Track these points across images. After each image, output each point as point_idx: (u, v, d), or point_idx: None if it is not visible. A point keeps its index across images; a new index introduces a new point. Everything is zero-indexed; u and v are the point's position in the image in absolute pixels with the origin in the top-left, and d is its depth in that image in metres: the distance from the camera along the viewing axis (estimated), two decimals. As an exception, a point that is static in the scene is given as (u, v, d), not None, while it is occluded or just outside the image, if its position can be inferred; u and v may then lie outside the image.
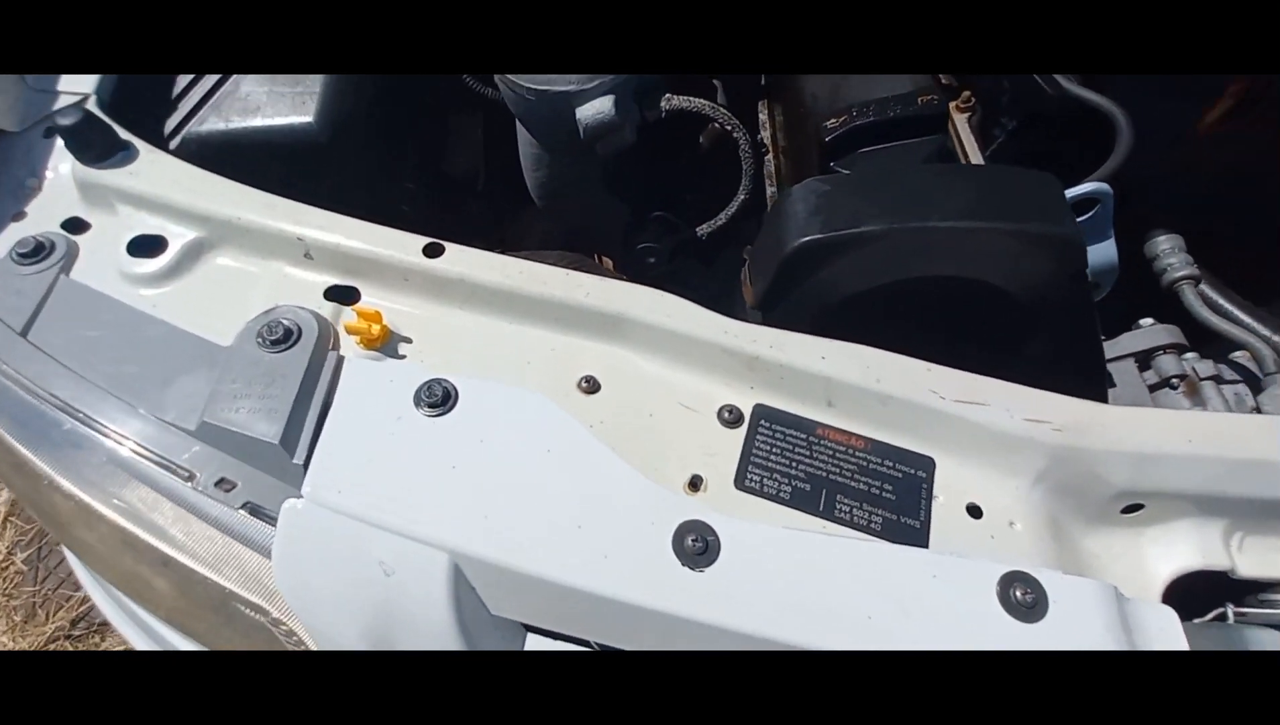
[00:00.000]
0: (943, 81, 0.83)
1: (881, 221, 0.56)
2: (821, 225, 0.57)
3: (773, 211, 0.63)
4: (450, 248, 0.56)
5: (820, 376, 0.49)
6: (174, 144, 0.73)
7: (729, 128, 0.71)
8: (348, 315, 0.55)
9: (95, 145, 0.61)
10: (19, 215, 0.63)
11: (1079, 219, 0.65)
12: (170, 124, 0.74)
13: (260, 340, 0.48)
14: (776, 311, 0.61)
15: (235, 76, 0.76)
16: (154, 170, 0.61)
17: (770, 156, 0.88)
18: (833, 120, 0.68)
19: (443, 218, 0.95)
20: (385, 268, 0.56)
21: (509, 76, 0.72)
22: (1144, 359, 0.67)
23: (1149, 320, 0.68)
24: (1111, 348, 0.67)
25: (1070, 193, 0.71)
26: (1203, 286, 0.72)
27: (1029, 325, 0.59)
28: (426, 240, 0.56)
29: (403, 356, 0.54)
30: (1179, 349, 0.66)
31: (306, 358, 0.48)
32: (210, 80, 0.76)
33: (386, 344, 0.54)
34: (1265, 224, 0.74)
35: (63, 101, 0.68)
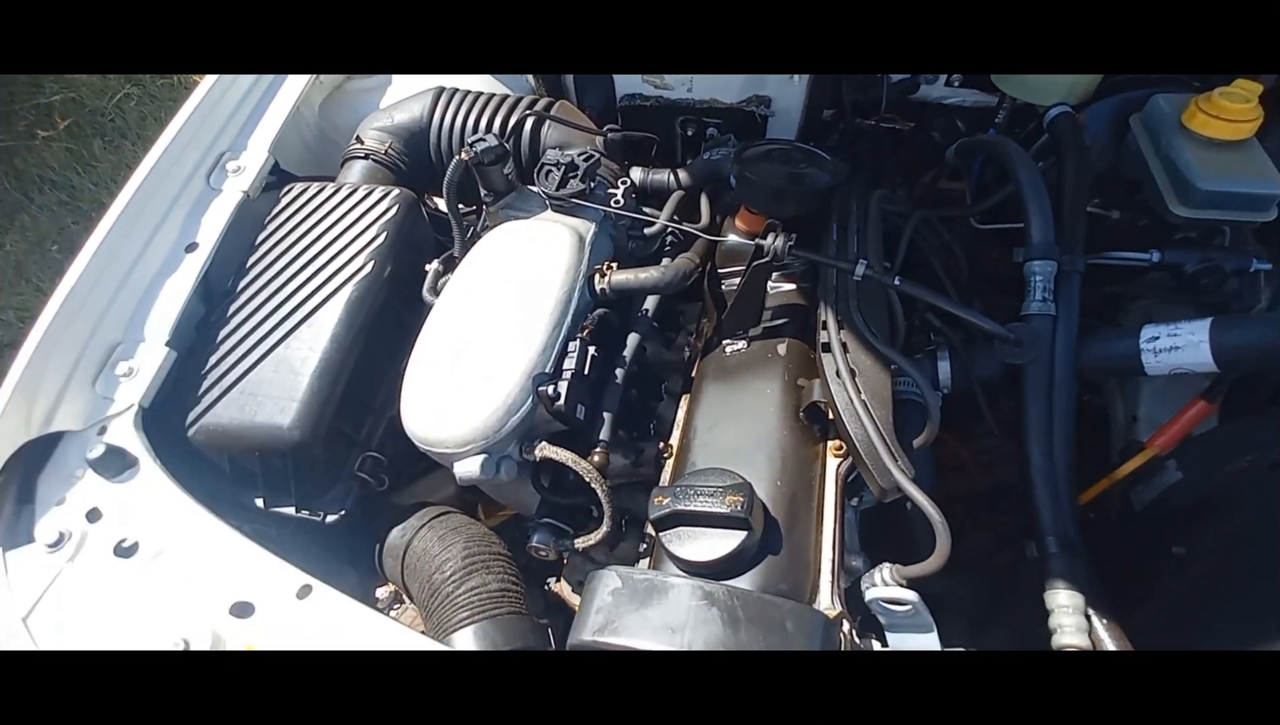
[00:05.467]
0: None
1: (642, 640, 0.67)
2: (597, 628, 0.69)
3: (586, 583, 0.75)
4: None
5: None
6: (192, 432, 0.97)
7: (588, 480, 0.85)
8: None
9: (112, 466, 0.86)
10: (61, 501, 0.88)
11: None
12: (192, 415, 0.98)
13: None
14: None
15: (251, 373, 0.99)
16: (141, 491, 0.86)
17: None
18: (658, 497, 0.79)
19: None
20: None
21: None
22: None
23: None
24: None
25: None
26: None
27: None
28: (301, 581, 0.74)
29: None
30: None
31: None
32: (230, 378, 1.00)
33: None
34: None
35: (117, 407, 0.94)
